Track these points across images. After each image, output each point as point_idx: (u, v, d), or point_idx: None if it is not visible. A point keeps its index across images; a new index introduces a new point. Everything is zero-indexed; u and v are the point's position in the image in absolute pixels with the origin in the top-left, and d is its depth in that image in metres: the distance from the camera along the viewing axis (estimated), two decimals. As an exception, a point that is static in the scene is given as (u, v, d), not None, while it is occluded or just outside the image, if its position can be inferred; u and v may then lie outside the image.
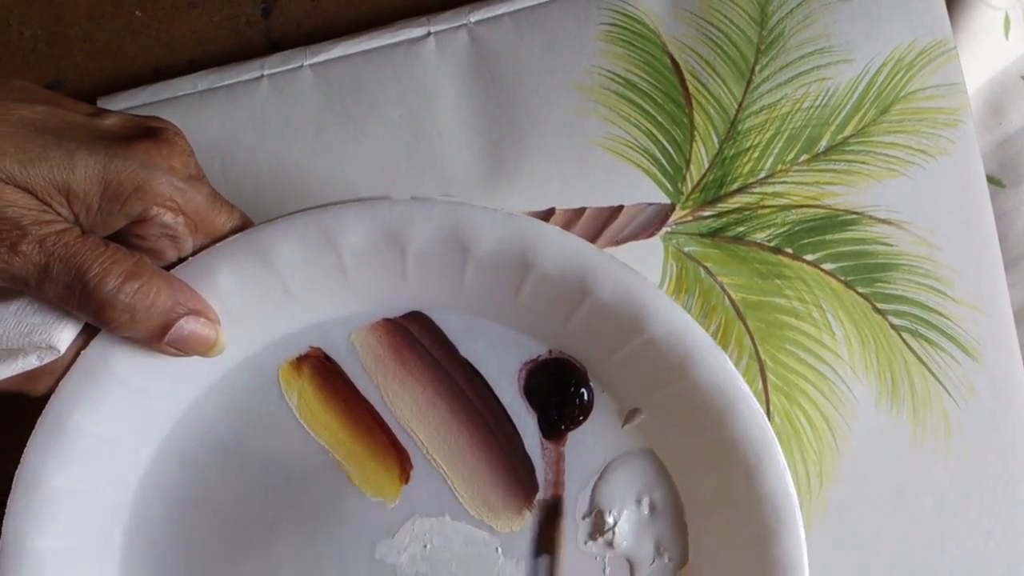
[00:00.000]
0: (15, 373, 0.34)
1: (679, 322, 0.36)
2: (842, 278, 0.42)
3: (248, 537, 0.39)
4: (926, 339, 0.42)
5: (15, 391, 0.35)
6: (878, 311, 0.42)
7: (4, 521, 0.35)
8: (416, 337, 0.39)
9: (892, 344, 0.42)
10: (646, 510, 0.39)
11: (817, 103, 0.42)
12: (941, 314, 0.42)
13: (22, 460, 0.35)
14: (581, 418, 0.39)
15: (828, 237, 0.42)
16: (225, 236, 0.35)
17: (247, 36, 0.45)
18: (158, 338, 0.34)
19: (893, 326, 0.42)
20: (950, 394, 0.42)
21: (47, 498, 0.35)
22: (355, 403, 0.39)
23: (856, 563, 0.42)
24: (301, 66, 0.43)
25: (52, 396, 0.35)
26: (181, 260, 0.35)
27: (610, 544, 0.39)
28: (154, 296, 0.33)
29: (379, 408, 0.39)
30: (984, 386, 0.42)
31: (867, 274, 0.42)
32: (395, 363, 0.39)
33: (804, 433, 0.42)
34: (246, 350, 0.38)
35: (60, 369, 0.35)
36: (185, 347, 0.35)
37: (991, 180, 0.44)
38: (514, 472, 0.39)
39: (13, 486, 0.35)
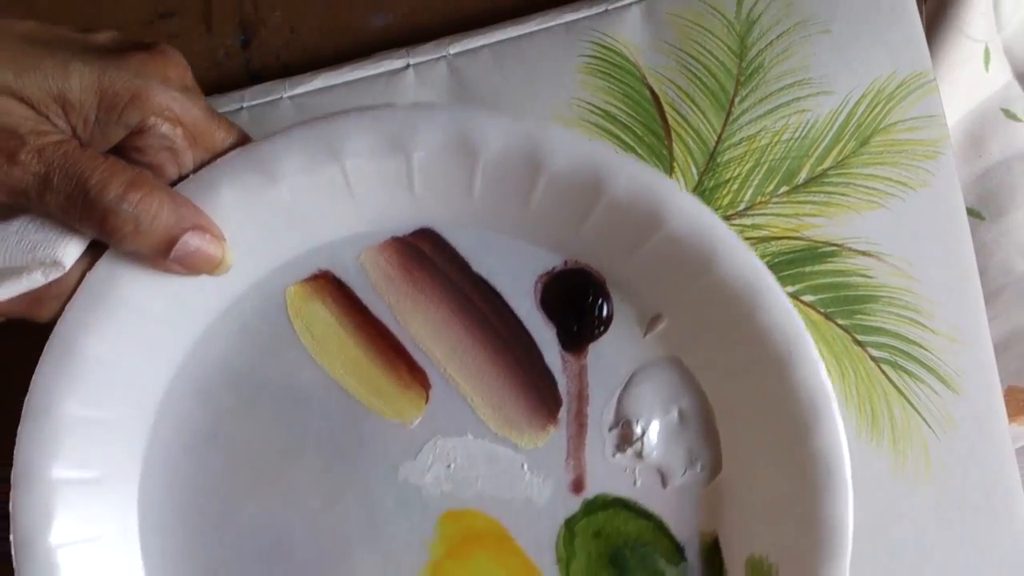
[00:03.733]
0: (21, 291, 0.33)
1: (699, 214, 0.34)
2: (822, 310, 0.42)
3: (267, 465, 0.38)
4: (906, 371, 0.42)
5: (21, 316, 0.34)
6: (858, 343, 0.42)
7: (15, 450, 0.34)
8: (427, 255, 0.38)
9: (872, 376, 0.42)
10: (675, 419, 0.38)
11: (797, 135, 0.42)
12: (921, 346, 0.42)
13: (31, 387, 0.34)
14: (602, 329, 0.37)
15: (807, 269, 0.42)
16: (225, 152, 0.34)
17: (226, 67, 0.44)
18: (163, 254, 0.33)
19: (873, 358, 0.42)
20: (930, 426, 0.42)
21: (58, 426, 0.34)
22: (368, 325, 0.38)
23: (836, 594, 0.42)
24: (281, 98, 0.43)
25: (59, 320, 0.34)
26: (182, 178, 0.34)
27: (639, 455, 0.37)
28: (157, 207, 0.32)
29: (393, 329, 0.38)
30: (964, 418, 0.42)
31: (847, 306, 0.42)
32: (406, 283, 0.38)
33: (784, 465, 0.42)
34: (253, 274, 0.37)
35: (66, 293, 0.34)
36: (191, 264, 0.34)
37: (971, 212, 0.44)
38: (535, 387, 0.38)
39: (23, 414, 0.34)
